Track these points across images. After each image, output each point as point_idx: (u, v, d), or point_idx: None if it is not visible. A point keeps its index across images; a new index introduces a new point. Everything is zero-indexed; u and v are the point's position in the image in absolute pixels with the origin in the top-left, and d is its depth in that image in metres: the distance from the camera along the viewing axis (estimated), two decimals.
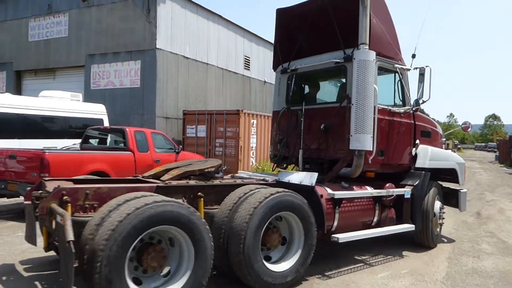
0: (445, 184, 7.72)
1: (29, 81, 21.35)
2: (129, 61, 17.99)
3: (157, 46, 17.31)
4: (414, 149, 6.77)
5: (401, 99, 6.71)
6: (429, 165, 6.86)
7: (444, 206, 7.26)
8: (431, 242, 6.86)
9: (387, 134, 6.35)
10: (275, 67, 7.40)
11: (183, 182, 4.89)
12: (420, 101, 6.39)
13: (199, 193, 4.72)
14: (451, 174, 7.50)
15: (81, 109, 13.10)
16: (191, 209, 3.98)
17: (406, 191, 6.40)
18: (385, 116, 6.29)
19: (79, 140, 11.01)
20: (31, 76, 21.24)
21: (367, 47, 5.76)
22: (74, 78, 19.40)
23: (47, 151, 8.19)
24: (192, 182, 4.92)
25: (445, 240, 7.63)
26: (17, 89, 20.98)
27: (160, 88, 17.46)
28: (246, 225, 4.36)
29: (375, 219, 6.12)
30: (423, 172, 6.74)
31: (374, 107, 5.87)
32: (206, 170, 5.15)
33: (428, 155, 6.88)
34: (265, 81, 25.50)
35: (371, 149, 5.86)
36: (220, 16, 21.45)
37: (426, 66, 6.46)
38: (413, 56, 6.63)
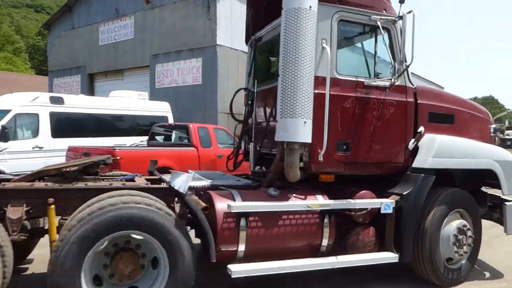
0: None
1: (100, 82, 22.70)
2: (190, 59, 18.05)
3: (217, 43, 17.13)
4: (413, 140, 4.56)
5: (389, 66, 4.57)
6: (433, 164, 4.49)
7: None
8: (439, 280, 4.54)
9: (356, 119, 4.33)
10: (246, 42, 5.86)
11: (26, 184, 3.79)
12: (401, 66, 4.19)
13: (50, 199, 3.56)
14: (494, 178, 4.98)
15: (147, 108, 13.50)
16: None
17: (385, 204, 4.25)
18: (351, 91, 4.29)
19: (146, 137, 11.26)
20: (102, 78, 22.55)
21: None
22: (140, 78, 19.98)
23: (117, 148, 8.36)
24: (40, 185, 3.79)
25: (488, 275, 5.12)
26: (90, 91, 22.45)
27: (221, 84, 17.25)
28: (65, 250, 3.11)
29: (326, 243, 4.15)
30: (421, 175, 4.47)
31: (320, 78, 4.05)
32: (65, 169, 3.95)
33: (433, 150, 4.54)
34: None
35: (311, 141, 3.99)
36: None
37: (408, 12, 4.23)
38: (401, 1, 4.41)
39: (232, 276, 3.57)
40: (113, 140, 11.36)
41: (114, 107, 12.35)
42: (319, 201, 4.05)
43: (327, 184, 4.58)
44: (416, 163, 4.51)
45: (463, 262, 4.72)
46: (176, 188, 3.60)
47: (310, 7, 3.85)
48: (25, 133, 10.08)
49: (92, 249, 3.21)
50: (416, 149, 4.58)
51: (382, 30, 4.32)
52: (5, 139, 8.90)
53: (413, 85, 4.66)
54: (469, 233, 4.66)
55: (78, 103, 11.53)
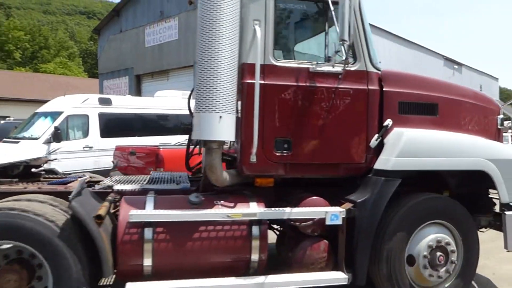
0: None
1: (147, 83, 23.16)
2: None
3: None
4: (376, 136, 3.76)
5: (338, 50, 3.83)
6: (397, 165, 3.64)
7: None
8: None
9: (300, 112, 3.66)
10: None
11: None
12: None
13: None
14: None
15: None
16: None
17: (331, 214, 3.51)
18: (292, 80, 3.63)
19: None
20: (149, 79, 22.99)
21: None
22: (184, 78, 19.93)
23: (161, 147, 8.44)
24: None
25: None
26: (138, 91, 22.96)
27: None
28: None
29: (256, 258, 3.49)
30: (382, 179, 3.66)
31: (252, 66, 3.47)
32: None
33: (397, 148, 3.69)
34: None
35: (233, 138, 3.42)
36: None
37: None
38: None
39: None
40: (158, 139, 11.41)
41: (159, 107, 12.47)
42: (241, 210, 3.43)
43: (281, 188, 3.96)
44: (377, 164, 3.72)
45: (447, 285, 3.80)
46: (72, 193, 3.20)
47: None
48: (76, 133, 10.47)
49: None
50: (378, 147, 3.78)
51: (331, 4, 3.60)
52: (58, 140, 9.23)
53: (378, 70, 3.87)
54: (452, 248, 3.74)
55: (125, 104, 11.79)
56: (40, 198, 3.32)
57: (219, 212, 3.36)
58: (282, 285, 3.39)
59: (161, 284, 3.21)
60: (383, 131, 3.77)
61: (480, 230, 4.35)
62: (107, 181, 4.18)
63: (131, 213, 3.20)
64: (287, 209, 3.49)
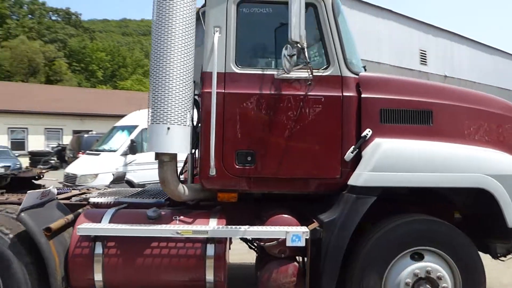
0: None
1: None
2: None
3: None
4: (352, 148, 3.37)
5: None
6: (369, 180, 3.21)
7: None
8: None
9: (264, 122, 3.40)
10: None
11: None
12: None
13: None
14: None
15: None
16: None
17: (292, 234, 3.17)
18: (255, 88, 3.39)
19: None
20: None
21: None
22: None
23: None
24: None
25: None
26: None
27: None
28: None
29: (211, 279, 3.25)
30: (353, 197, 3.26)
31: (206, 74, 3.36)
32: None
33: (371, 161, 3.26)
34: (445, 76, 20.37)
35: (183, 151, 3.27)
36: (390, 11, 19.26)
37: None
38: None
39: None
40: None
41: None
42: (192, 227, 3.23)
43: (260, 204, 3.73)
44: (350, 180, 3.31)
45: None
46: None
47: None
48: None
49: None
50: (354, 160, 3.37)
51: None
52: (134, 152, 9.64)
53: (356, 74, 3.49)
54: (444, 284, 3.19)
55: None
56: (9, 210, 3.42)
57: (169, 228, 3.20)
58: None
59: None
60: (360, 143, 3.36)
61: (500, 258, 3.71)
62: (94, 194, 4.24)
63: (78, 227, 3.16)
64: (243, 228, 3.23)
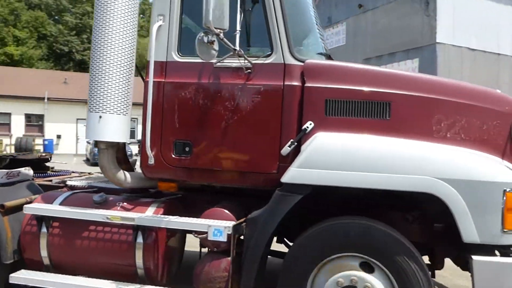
0: None
1: None
2: (405, 60, 17.07)
3: (437, 41, 15.74)
4: (290, 142, 3.11)
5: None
6: (296, 177, 2.93)
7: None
8: None
9: (201, 113, 3.31)
10: None
11: None
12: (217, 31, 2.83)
13: None
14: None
15: None
16: None
17: (214, 228, 3.03)
18: (194, 77, 3.32)
19: None
20: None
21: None
22: None
23: None
24: None
25: None
26: None
27: None
28: None
29: (141, 266, 3.27)
30: (278, 193, 3.01)
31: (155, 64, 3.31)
32: None
33: (302, 156, 2.97)
34: None
35: (121, 140, 3.33)
36: None
37: None
38: None
39: (10, 281, 3.32)
40: None
41: None
42: (122, 214, 3.28)
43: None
44: (286, 176, 3.05)
45: None
46: None
47: None
48: None
49: None
50: (292, 154, 3.11)
51: None
52: None
53: (302, 62, 3.20)
54: None
55: None
56: None
57: (100, 213, 3.30)
58: None
59: (47, 276, 3.36)
60: (300, 136, 3.09)
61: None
62: (74, 177, 4.55)
63: (25, 206, 3.43)
64: (168, 218, 3.20)
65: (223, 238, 3.03)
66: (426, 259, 3.72)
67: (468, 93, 3.18)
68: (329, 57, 3.71)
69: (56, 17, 56.58)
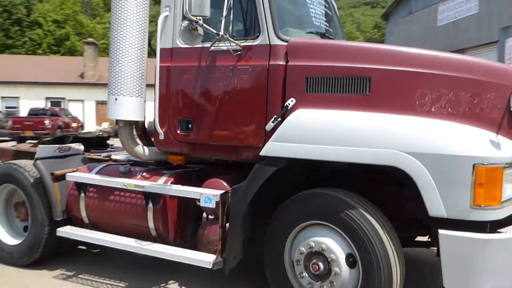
0: None
1: None
2: None
3: None
4: (274, 118, 3.31)
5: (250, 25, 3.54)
6: (270, 151, 3.18)
7: None
8: None
9: (200, 92, 3.69)
10: None
11: (24, 148, 5.57)
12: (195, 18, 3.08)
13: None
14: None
15: None
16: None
17: (205, 196, 3.41)
18: (194, 61, 3.69)
19: None
20: None
21: None
22: (484, 56, 17.16)
23: None
24: (23, 147, 5.50)
25: None
26: None
27: None
28: None
29: (151, 226, 3.79)
30: (257, 166, 3.25)
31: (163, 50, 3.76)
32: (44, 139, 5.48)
33: (279, 130, 3.18)
34: None
35: (136, 118, 3.86)
36: None
37: None
38: None
39: (57, 234, 4.11)
40: None
41: None
42: (135, 182, 3.82)
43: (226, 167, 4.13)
44: (266, 150, 3.28)
45: None
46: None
47: None
48: None
49: None
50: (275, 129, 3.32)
51: None
52: None
53: (285, 42, 3.36)
54: (331, 256, 3.00)
55: None
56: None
57: (119, 181, 3.89)
58: (158, 254, 3.66)
59: (82, 232, 4.09)
60: (282, 113, 3.29)
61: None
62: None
63: (67, 174, 4.17)
64: (169, 186, 3.67)
65: (212, 205, 3.40)
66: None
67: (456, 65, 3.04)
68: (324, 35, 3.77)
69: None
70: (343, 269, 2.97)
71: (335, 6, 4.52)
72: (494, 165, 2.63)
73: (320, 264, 3.03)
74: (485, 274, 2.65)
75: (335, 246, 2.99)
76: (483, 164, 2.62)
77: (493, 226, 2.77)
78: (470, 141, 2.75)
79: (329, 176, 3.47)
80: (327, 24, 3.94)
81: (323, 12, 3.92)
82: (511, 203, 2.80)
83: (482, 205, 2.64)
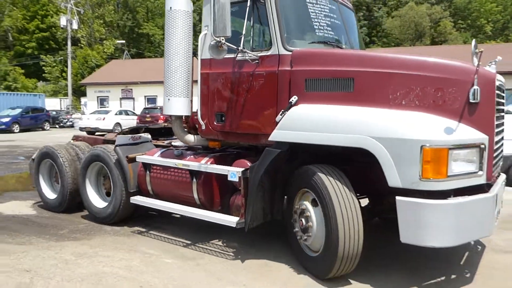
0: None
1: None
2: None
3: None
4: (282, 111, 4.25)
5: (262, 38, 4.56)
6: (276, 136, 4.16)
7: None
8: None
9: (230, 92, 4.76)
10: None
11: (110, 137, 7.11)
12: (218, 38, 4.10)
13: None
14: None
15: None
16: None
17: (231, 172, 4.48)
18: (226, 68, 4.75)
19: None
20: None
21: None
22: None
23: None
24: (109, 137, 7.02)
25: None
26: None
27: None
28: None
29: (196, 196, 4.95)
30: (267, 149, 4.25)
31: (203, 60, 4.88)
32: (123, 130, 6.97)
33: (281, 121, 4.16)
34: None
35: (183, 113, 5.03)
36: None
37: None
38: None
39: (131, 202, 5.49)
40: None
41: None
42: (183, 162, 5.01)
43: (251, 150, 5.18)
44: (273, 135, 4.26)
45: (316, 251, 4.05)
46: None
47: (171, 8, 4.89)
48: None
49: (88, 168, 6.10)
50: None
51: (254, 2, 4.46)
52: None
53: (290, 52, 4.29)
54: (307, 214, 4.07)
55: None
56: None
57: (172, 161, 5.11)
58: (199, 216, 4.86)
59: (148, 200, 5.41)
60: (288, 107, 4.24)
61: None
62: None
63: (137, 157, 5.51)
64: (205, 165, 4.79)
65: (236, 179, 4.46)
66: None
67: (422, 65, 3.76)
68: (326, 43, 4.60)
69: None
70: (314, 220, 3.95)
71: (350, 16, 5.29)
72: (439, 146, 3.34)
73: (303, 220, 4.02)
74: (431, 230, 3.38)
75: (310, 206, 4.01)
76: (429, 146, 3.34)
77: (456, 194, 3.48)
78: (421, 127, 3.48)
79: (324, 157, 4.31)
80: (332, 33, 4.75)
81: (330, 23, 4.74)
82: (462, 177, 3.47)
83: (430, 178, 3.37)
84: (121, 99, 38.87)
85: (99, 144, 6.54)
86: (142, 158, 5.51)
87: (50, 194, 6.80)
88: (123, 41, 52.96)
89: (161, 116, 23.05)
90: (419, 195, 3.45)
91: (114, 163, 5.69)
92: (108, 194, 6.02)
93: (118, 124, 25.74)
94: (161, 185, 5.39)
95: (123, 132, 6.88)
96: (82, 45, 52.10)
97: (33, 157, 7.03)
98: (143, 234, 5.55)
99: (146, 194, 5.61)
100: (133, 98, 38.88)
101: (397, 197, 3.49)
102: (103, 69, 45.18)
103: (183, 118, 5.24)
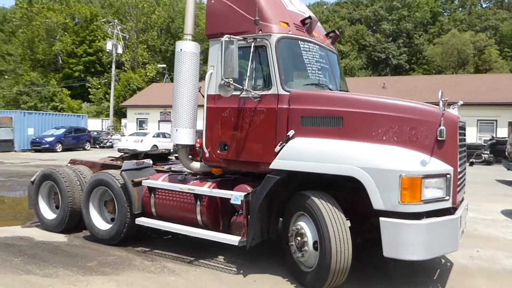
0: None
1: None
2: None
3: None
4: (280, 143, 4.92)
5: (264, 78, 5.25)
6: (277, 164, 4.80)
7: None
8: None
9: (233, 125, 5.37)
10: None
11: (111, 162, 7.57)
12: (227, 79, 4.77)
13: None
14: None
15: None
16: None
17: (234, 196, 5.07)
18: (230, 104, 5.36)
19: None
20: None
21: (188, 37, 5.68)
22: None
23: None
24: (107, 161, 7.49)
25: None
26: None
27: None
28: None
29: (199, 218, 5.50)
30: (268, 176, 4.88)
31: (208, 96, 5.51)
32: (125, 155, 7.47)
33: (281, 152, 4.84)
34: None
35: (188, 142, 5.61)
36: None
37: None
38: (256, 22, 4.97)
39: (135, 223, 5.95)
40: None
41: None
42: (187, 186, 5.56)
43: (252, 176, 5.75)
44: (274, 164, 4.89)
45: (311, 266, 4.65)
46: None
47: (181, 49, 5.54)
48: None
49: (92, 192, 6.52)
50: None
51: (256, 48, 5.16)
52: None
53: (288, 92, 4.98)
54: (303, 231, 4.68)
55: None
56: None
57: (177, 185, 5.65)
58: (202, 236, 5.39)
59: (153, 221, 5.88)
60: (286, 140, 4.90)
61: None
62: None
63: (143, 181, 6.01)
64: (209, 190, 5.35)
65: (238, 202, 5.04)
66: None
67: (398, 108, 4.53)
68: (318, 85, 5.36)
69: (374, 27, 61.59)
70: (309, 239, 4.58)
71: (335, 59, 6.10)
72: (414, 176, 4.07)
73: (299, 239, 4.65)
74: (408, 246, 4.07)
75: (305, 227, 4.65)
76: (405, 175, 4.06)
77: (428, 215, 4.19)
78: (399, 159, 4.21)
79: (317, 184, 4.97)
80: (322, 76, 5.52)
81: (320, 67, 5.50)
82: (432, 202, 4.19)
83: (407, 202, 4.07)
84: (159, 121, 39.02)
85: (96, 167, 6.99)
86: (148, 182, 6.02)
87: (49, 215, 7.17)
88: (164, 65, 54.03)
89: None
90: (398, 216, 4.14)
91: (120, 187, 6.15)
92: (112, 218, 6.46)
93: (155, 146, 25.12)
94: (165, 207, 5.89)
95: (125, 158, 7.36)
96: (125, 69, 54.95)
97: (32, 179, 7.37)
98: (147, 253, 5.98)
99: (149, 215, 6.08)
100: (171, 121, 38.67)
101: (381, 218, 4.17)
102: (144, 92, 45.96)
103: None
